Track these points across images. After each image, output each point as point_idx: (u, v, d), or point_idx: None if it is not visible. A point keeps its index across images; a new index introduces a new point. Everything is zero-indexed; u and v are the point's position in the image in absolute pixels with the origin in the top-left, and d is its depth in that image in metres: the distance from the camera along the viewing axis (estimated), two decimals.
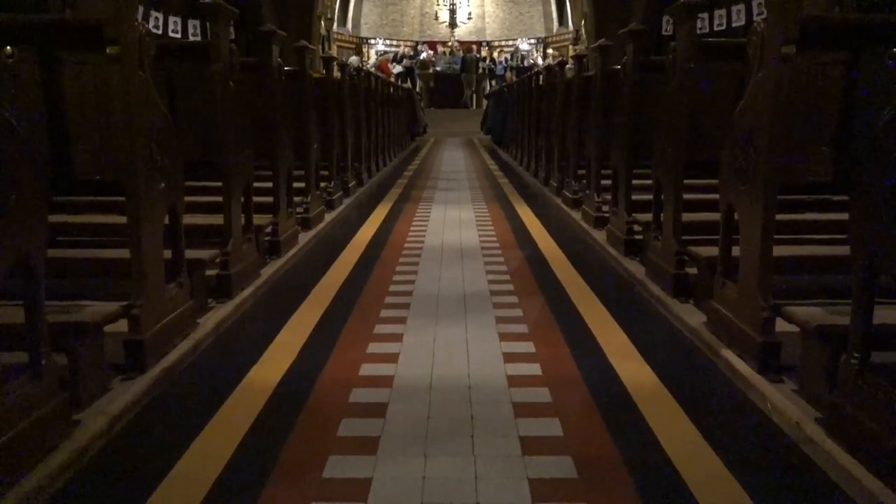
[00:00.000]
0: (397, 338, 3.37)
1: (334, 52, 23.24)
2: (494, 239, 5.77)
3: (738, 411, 2.62)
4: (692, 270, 3.80)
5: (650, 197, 4.40)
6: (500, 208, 7.46)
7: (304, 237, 5.53)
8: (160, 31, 12.87)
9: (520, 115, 12.12)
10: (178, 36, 13.67)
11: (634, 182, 5.15)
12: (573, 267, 4.81)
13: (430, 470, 2.20)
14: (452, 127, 23.03)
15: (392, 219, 6.79)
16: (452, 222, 6.59)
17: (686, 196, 4.04)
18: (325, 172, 6.81)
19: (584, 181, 6.53)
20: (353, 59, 21.42)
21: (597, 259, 5.13)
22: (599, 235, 5.57)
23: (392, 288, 4.25)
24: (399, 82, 19.93)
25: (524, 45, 27.55)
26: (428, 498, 2.06)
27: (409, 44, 26.34)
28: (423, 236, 5.89)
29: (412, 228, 6.25)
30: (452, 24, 27.64)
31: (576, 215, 6.53)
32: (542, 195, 8.46)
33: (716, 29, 13.99)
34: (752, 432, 2.44)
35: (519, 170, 11.22)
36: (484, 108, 19.63)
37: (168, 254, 3.09)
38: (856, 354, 2.15)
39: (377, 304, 3.89)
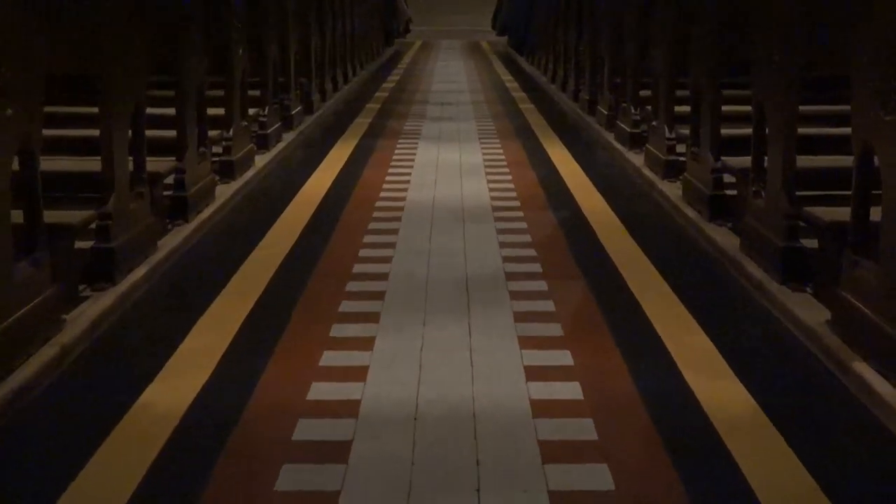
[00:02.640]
0: (364, 344, 3.38)
1: None
2: (513, 194, 5.81)
3: (880, 455, 2.61)
4: (811, 243, 3.81)
5: (748, 131, 4.42)
6: (520, 147, 7.52)
7: (226, 190, 5.57)
8: None
9: (552, 7, 12.16)
10: None
11: (725, 109, 5.16)
12: (631, 237, 4.83)
13: None
14: (449, 23, 23.00)
15: (358, 162, 6.85)
16: (449, 168, 6.64)
17: (802, 130, 4.06)
18: (257, 93, 6.84)
19: (649, 108, 6.56)
20: None
21: (667, 225, 5.17)
22: (672, 189, 5.61)
23: (357, 268, 4.28)
24: None
25: None
26: None
27: None
28: (405, 189, 5.94)
29: (388, 177, 6.30)
30: None
31: (636, 159, 6.58)
32: (584, 128, 8.53)
33: None
34: None
35: (550, 89, 11.27)
36: None
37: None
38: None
39: (335, 294, 3.91)
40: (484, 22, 20.94)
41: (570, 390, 2.99)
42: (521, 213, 5.29)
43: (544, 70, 12.54)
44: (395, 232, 4.88)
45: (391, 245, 4.63)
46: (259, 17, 6.92)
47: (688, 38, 5.51)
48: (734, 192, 4.73)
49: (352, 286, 4.00)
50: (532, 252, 4.51)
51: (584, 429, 2.71)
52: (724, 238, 4.56)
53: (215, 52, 5.73)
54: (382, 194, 5.75)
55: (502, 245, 4.64)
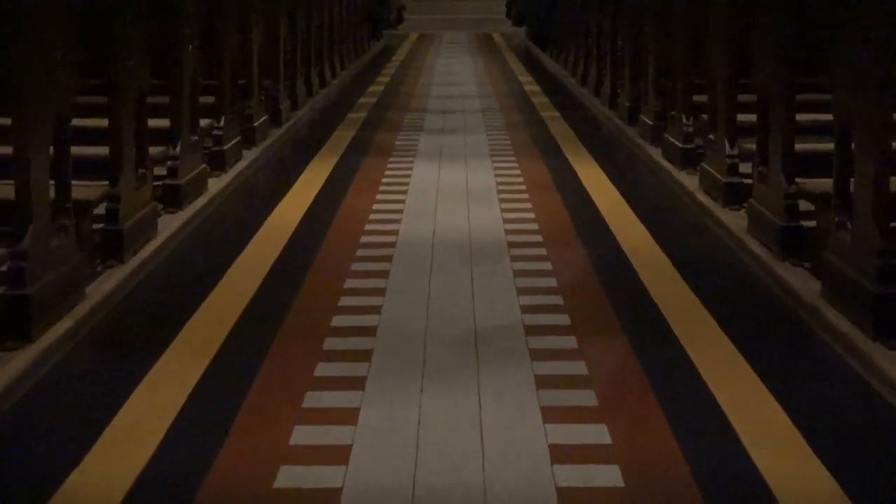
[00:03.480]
0: (346, 417, 3.39)
1: None
2: (533, 226, 5.84)
3: None
4: None
5: (830, 147, 4.44)
6: (543, 166, 7.58)
7: (171, 223, 5.61)
8: None
9: None
10: None
11: (800, 118, 5.19)
12: (683, 279, 4.85)
13: None
14: (453, 10, 23.14)
15: (338, 186, 6.90)
16: (453, 193, 6.69)
17: None
18: (211, 100, 6.89)
19: (705, 117, 6.60)
20: None
21: (729, 264, 5.19)
22: (734, 219, 5.66)
23: (337, 321, 4.29)
24: None
25: None
26: None
27: None
28: (397, 220, 5.97)
29: (376, 205, 6.34)
30: None
31: (688, 181, 6.64)
32: (623, 141, 8.59)
33: None
34: None
35: (579, 93, 11.34)
36: None
37: None
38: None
39: (309, 353, 3.92)
40: (496, 9, 21.14)
41: (607, 475, 2.99)
42: (543, 251, 5.31)
43: (572, 69, 12.63)
44: (384, 275, 4.89)
45: (380, 291, 4.64)
46: (213, 6, 7.00)
47: (752, 30, 5.55)
48: (813, 224, 4.75)
49: (330, 344, 4.01)
50: (558, 299, 4.52)
51: None
52: (800, 281, 4.57)
53: (159, 49, 5.78)
54: (369, 227, 5.77)
55: (521, 291, 4.65)
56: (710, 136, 6.32)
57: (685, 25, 7.11)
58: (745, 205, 5.53)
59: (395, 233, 5.65)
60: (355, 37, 15.04)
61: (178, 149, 5.92)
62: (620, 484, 2.95)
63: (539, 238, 5.54)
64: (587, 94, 10.95)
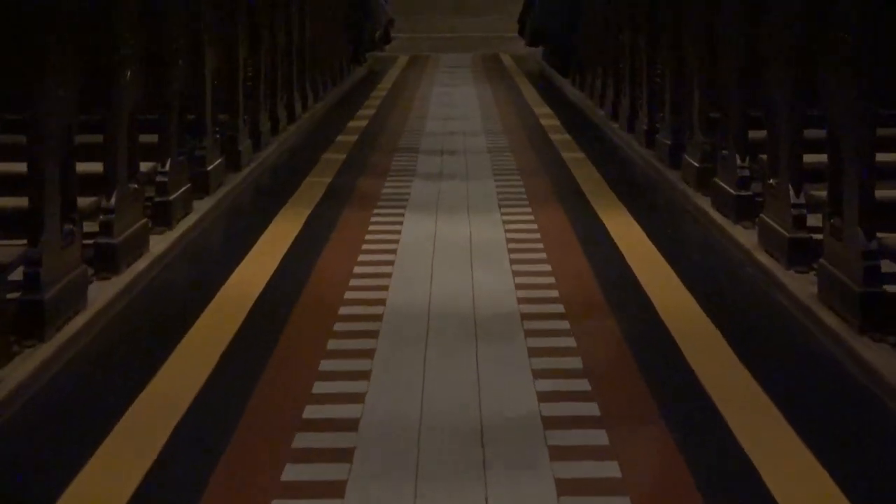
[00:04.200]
0: None
1: None
2: (553, 293, 5.83)
3: None
4: None
5: None
6: (564, 218, 7.61)
7: (105, 290, 5.61)
8: None
9: (609, 2, 12.31)
10: None
11: (880, 159, 5.21)
12: (740, 361, 4.84)
13: None
14: (453, 28, 23.17)
15: (311, 244, 6.91)
16: (453, 252, 6.70)
17: None
18: (154, 138, 6.96)
19: (764, 158, 6.65)
20: None
21: (797, 341, 5.18)
22: (801, 284, 5.66)
23: (310, 412, 4.27)
24: None
25: None
26: None
27: None
28: (384, 287, 5.96)
29: (359, 268, 6.33)
30: None
31: (745, 236, 6.67)
32: (663, 188, 8.68)
33: None
34: None
35: (609, 128, 11.42)
36: None
37: None
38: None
39: (276, 451, 3.90)
40: (505, 25, 21.23)
41: None
42: (565, 324, 5.30)
43: (600, 98, 12.69)
44: (368, 355, 4.88)
45: (363, 375, 4.63)
46: (158, 23, 7.02)
47: (821, 50, 5.57)
48: None
49: (301, 440, 3.98)
50: (584, 385, 4.51)
51: None
52: (887, 362, 4.55)
53: (91, 75, 5.78)
54: (349, 296, 5.76)
55: (538, 374, 4.63)
56: (771, 180, 6.32)
57: (738, 44, 7.13)
58: (815, 266, 5.51)
59: (381, 302, 5.64)
60: (332, 60, 15.11)
61: (112, 200, 5.91)
62: None
63: (560, 308, 5.53)
64: (618, 130, 11.01)
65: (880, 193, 5.11)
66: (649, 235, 7.03)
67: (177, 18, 7.35)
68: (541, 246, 6.77)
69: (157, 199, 6.83)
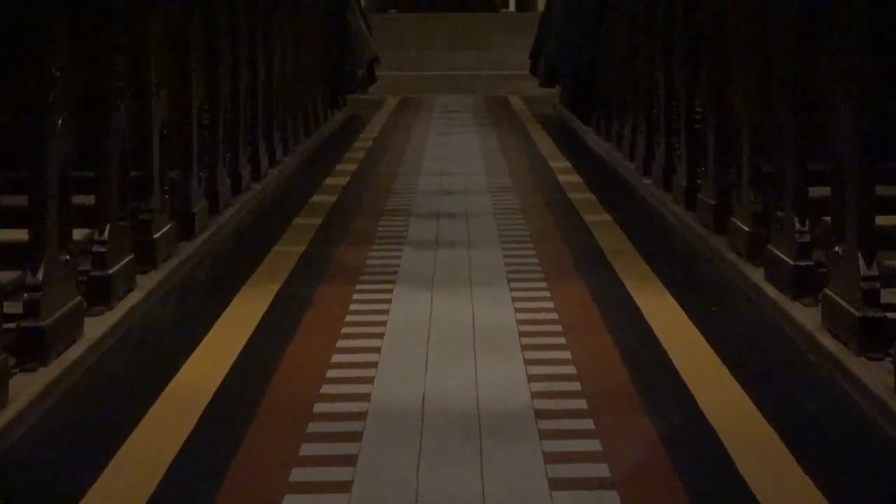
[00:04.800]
0: None
1: None
2: (574, 385, 5.82)
3: None
4: None
5: None
6: (586, 293, 7.62)
7: (29, 387, 5.55)
8: None
9: (634, 31, 12.34)
10: None
11: None
12: (799, 464, 4.80)
13: None
14: (451, 64, 23.17)
15: (280, 328, 6.90)
16: (452, 336, 6.70)
17: None
18: (91, 199, 6.97)
19: (828, 221, 6.64)
20: None
21: (867, 437, 5.15)
22: (873, 373, 5.63)
23: None
24: None
25: None
26: None
27: None
28: (369, 379, 5.94)
29: (337, 356, 6.32)
30: None
31: (805, 315, 6.65)
32: (706, 256, 8.68)
33: None
34: None
35: (638, 184, 11.47)
36: (541, 13, 19.84)
37: None
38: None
39: None
40: (514, 60, 21.30)
41: None
42: (589, 423, 5.30)
43: (629, 149, 12.75)
44: (349, 461, 4.87)
45: (342, 487, 4.62)
46: (95, 57, 7.01)
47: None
48: None
49: None
50: (612, 498, 4.49)
51: None
52: None
53: (15, 123, 5.79)
54: (326, 390, 5.75)
55: (555, 484, 4.61)
56: (837, 248, 6.31)
57: (794, 82, 7.13)
58: (892, 352, 5.49)
59: (365, 398, 5.62)
60: (306, 104, 15.14)
61: (39, 274, 5.90)
62: None
63: (582, 404, 5.52)
64: (651, 187, 11.06)
65: None
66: (690, 315, 7.02)
67: (121, 54, 7.36)
68: (559, 329, 6.76)
69: (94, 274, 6.81)
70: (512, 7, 28.32)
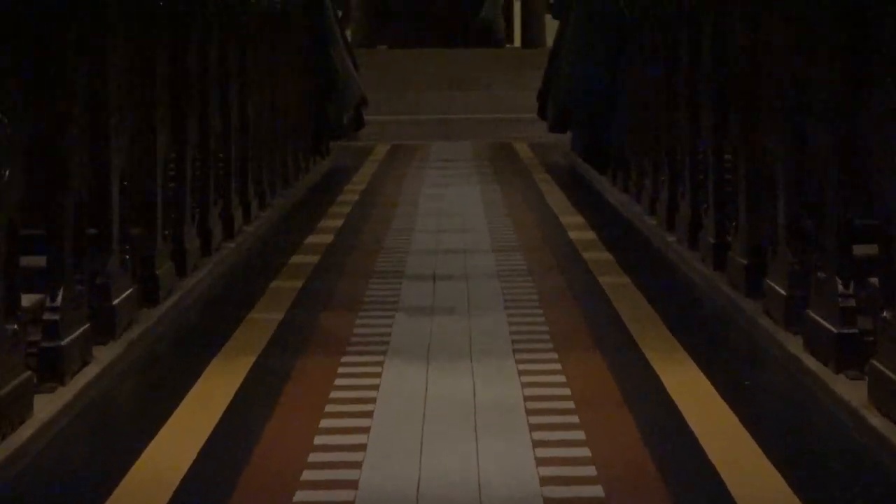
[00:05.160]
0: None
1: None
2: (588, 467, 5.77)
3: None
4: None
5: None
6: (602, 365, 7.60)
7: None
8: None
9: (651, 66, 12.33)
10: None
11: None
12: None
13: None
14: (447, 107, 23.19)
15: (255, 405, 6.89)
16: (449, 413, 6.69)
17: None
18: (42, 261, 6.93)
19: (875, 284, 6.63)
20: None
21: None
22: None
23: None
24: None
25: None
26: None
27: None
28: (357, 462, 5.88)
29: (320, 437, 6.30)
30: None
31: (849, 390, 6.61)
32: (736, 322, 8.68)
33: None
34: None
35: (660, 242, 11.51)
36: (550, 48, 19.87)
37: None
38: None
39: None
40: (520, 103, 21.33)
41: None
42: None
43: (650, 203, 12.76)
44: None
45: None
46: (49, 97, 7.01)
47: None
48: None
49: None
50: None
51: None
52: None
53: None
54: (308, 476, 5.72)
55: None
56: (885, 313, 6.29)
57: (836, 124, 7.12)
58: None
59: (351, 485, 5.58)
60: (285, 152, 15.15)
61: None
62: None
63: (598, 491, 5.47)
64: (675, 245, 11.04)
65: None
66: (720, 391, 7.00)
67: (77, 96, 7.36)
68: (571, 406, 6.73)
69: (45, 345, 6.79)
70: (517, 42, 28.29)
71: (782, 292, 7.97)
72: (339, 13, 20.35)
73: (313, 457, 5.98)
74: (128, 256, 8.25)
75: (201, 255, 10.20)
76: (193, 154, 10.08)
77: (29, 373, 6.36)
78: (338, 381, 7.24)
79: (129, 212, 8.31)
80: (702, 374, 7.30)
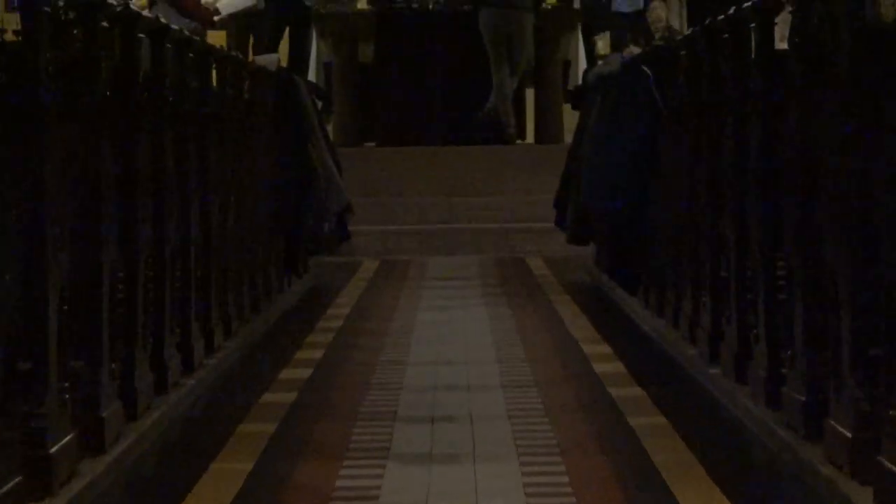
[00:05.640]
0: None
1: None
2: None
3: None
4: None
5: None
6: None
7: None
8: None
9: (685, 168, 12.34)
10: None
11: None
12: None
13: None
14: (449, 215, 23.27)
15: None
16: None
17: None
18: None
19: None
20: None
21: None
22: None
23: None
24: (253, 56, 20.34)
25: None
26: None
27: None
28: None
29: None
30: None
31: None
32: (793, 471, 8.59)
33: None
34: None
35: (702, 376, 11.49)
36: (569, 144, 19.91)
37: None
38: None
39: None
40: (533, 211, 21.38)
41: None
42: None
43: (689, 330, 12.75)
44: None
45: None
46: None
47: None
48: None
49: None
50: None
51: None
52: None
53: None
54: None
55: None
56: None
57: None
58: None
59: None
60: (255, 269, 15.14)
61: None
62: None
63: None
64: (720, 378, 10.96)
65: None
66: None
67: (9, 190, 7.30)
68: None
69: None
70: (530, 137, 28.04)
71: (847, 434, 7.82)
72: (320, 104, 20.28)
73: None
74: (67, 396, 8.13)
75: (155, 394, 10.09)
76: (146, 271, 9.99)
77: None
78: None
79: (68, 341, 8.20)
80: None
